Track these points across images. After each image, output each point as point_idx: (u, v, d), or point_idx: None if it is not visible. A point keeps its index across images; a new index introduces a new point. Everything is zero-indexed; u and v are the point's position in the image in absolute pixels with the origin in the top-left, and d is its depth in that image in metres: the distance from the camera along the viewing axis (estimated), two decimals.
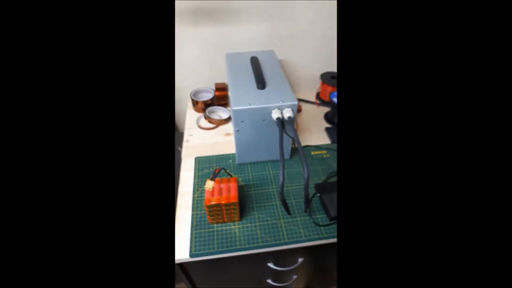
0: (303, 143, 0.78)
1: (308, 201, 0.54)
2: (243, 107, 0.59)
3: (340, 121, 0.30)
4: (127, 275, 0.27)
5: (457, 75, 0.26)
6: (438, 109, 0.27)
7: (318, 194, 0.64)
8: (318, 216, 0.62)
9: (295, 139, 0.56)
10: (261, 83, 0.64)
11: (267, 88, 0.64)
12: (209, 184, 0.56)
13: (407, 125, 0.27)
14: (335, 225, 0.60)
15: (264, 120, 0.62)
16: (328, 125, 0.84)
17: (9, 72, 0.23)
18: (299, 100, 0.93)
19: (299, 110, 0.89)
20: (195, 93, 0.90)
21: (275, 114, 0.59)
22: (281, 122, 0.59)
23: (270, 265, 0.69)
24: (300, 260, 0.70)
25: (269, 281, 0.80)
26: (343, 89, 0.29)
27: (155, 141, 0.29)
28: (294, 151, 0.76)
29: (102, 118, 0.27)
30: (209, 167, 0.73)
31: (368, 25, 0.27)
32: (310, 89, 0.98)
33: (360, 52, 0.28)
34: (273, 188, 0.67)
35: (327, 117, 0.86)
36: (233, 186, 0.57)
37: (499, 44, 0.25)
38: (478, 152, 0.26)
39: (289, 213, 0.59)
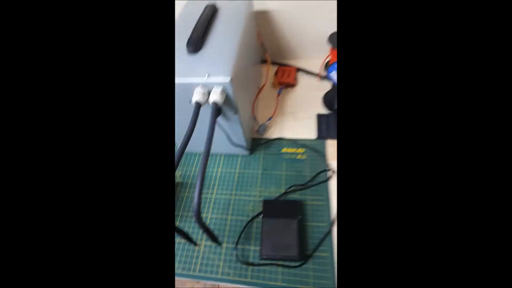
0: (280, 133, 0.56)
1: (209, 232, 0.36)
2: None
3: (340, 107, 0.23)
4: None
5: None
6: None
7: (261, 216, 0.44)
8: (252, 247, 0.43)
9: (207, 139, 0.36)
10: (192, 44, 0.43)
11: (201, 53, 0.43)
12: None
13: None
14: (268, 268, 0.40)
15: (191, 102, 0.42)
16: (323, 111, 0.59)
17: (7, 70, 0.23)
18: (298, 70, 0.68)
19: (292, 85, 0.65)
20: None
21: (196, 95, 0.39)
22: (199, 107, 0.39)
23: None
24: None
25: None
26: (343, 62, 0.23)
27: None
28: (257, 144, 0.55)
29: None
30: None
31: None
32: (320, 56, 0.71)
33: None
34: (213, 194, 0.50)
35: (326, 99, 0.61)
36: None
37: (499, 43, 0.22)
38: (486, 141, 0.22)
39: (218, 243, 0.42)
